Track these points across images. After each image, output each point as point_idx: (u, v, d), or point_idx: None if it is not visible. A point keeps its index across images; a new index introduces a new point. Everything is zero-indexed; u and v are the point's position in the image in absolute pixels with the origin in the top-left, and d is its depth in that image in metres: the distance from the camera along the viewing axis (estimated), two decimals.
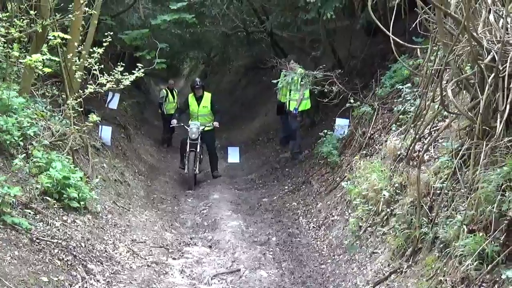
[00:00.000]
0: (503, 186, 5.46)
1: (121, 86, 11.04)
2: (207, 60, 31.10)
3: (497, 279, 4.88)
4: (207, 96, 16.11)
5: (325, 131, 12.69)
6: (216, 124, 15.81)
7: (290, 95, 14.55)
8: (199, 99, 15.91)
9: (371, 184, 8.85)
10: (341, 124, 12.70)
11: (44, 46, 9.59)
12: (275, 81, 14.57)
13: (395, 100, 11.10)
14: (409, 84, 10.54)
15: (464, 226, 5.79)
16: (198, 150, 15.36)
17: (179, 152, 17.28)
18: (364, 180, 9.23)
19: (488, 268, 5.14)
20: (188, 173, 15.13)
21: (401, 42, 7.64)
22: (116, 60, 11.74)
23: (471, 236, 5.54)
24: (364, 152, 10.86)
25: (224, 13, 18.79)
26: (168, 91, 19.39)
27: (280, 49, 21.16)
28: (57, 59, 10.10)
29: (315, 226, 10.55)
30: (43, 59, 8.58)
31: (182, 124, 16.20)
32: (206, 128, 15.80)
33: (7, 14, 9.96)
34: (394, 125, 10.19)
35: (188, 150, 15.22)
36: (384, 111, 11.39)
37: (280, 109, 15.49)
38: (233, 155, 16.47)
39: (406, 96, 10.27)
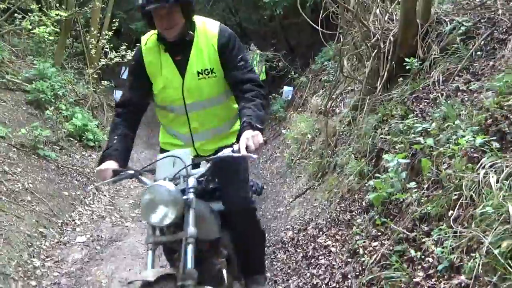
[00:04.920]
0: (376, 126, 5.73)
1: (125, 60, 11.19)
2: None
3: (369, 188, 5.10)
4: None
5: (274, 95, 12.92)
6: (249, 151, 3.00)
7: None
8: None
9: (300, 130, 9.11)
10: (287, 90, 12.86)
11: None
12: None
13: (323, 73, 11.30)
14: (332, 61, 10.74)
15: (352, 155, 6.05)
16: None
17: None
18: (296, 127, 9.48)
19: (364, 181, 5.43)
20: None
21: (321, 30, 7.75)
22: (128, 45, 11.73)
23: (355, 161, 5.82)
24: (300, 109, 11.10)
25: (207, 10, 18.70)
26: None
27: (249, 38, 21.13)
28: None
29: (263, 161, 10.79)
30: (48, 31, 8.46)
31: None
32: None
33: (39, 6, 10.04)
34: (321, 90, 10.43)
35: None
36: (316, 80, 11.60)
37: None
38: None
39: (330, 70, 10.49)
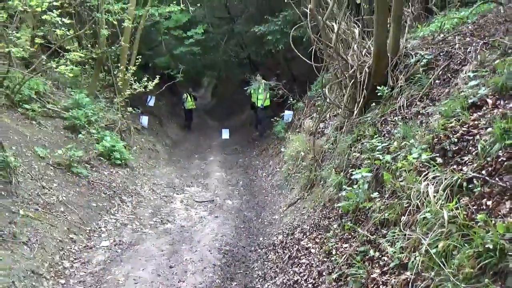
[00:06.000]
0: (350, 145, 5.82)
1: (147, 90, 11.42)
2: (217, 76, 31.28)
3: (345, 198, 5.16)
4: None
5: (276, 118, 13.03)
6: None
7: (257, 96, 14.78)
8: None
9: (295, 148, 9.19)
10: (287, 114, 12.91)
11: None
12: (245, 88, 14.73)
13: (317, 98, 11.36)
14: (325, 89, 10.81)
15: (333, 169, 6.13)
16: None
17: (195, 133, 16.83)
18: (292, 146, 9.56)
19: (341, 191, 5.50)
20: None
21: (311, 63, 7.77)
22: (153, 77, 11.88)
23: (335, 175, 5.90)
24: (297, 130, 11.17)
25: (220, 45, 18.88)
26: (188, 94, 19.28)
27: (257, 69, 21.34)
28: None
29: (266, 175, 10.82)
30: (68, 68, 8.57)
31: None
32: None
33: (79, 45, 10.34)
34: (314, 113, 10.49)
35: None
36: (311, 105, 11.67)
37: (252, 106, 15.49)
38: (225, 134, 16.25)
39: (321, 96, 10.55)
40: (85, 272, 5.70)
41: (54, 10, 7.79)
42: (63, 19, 7.90)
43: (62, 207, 6.81)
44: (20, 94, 8.78)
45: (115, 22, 11.25)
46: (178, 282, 5.41)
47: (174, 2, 13.23)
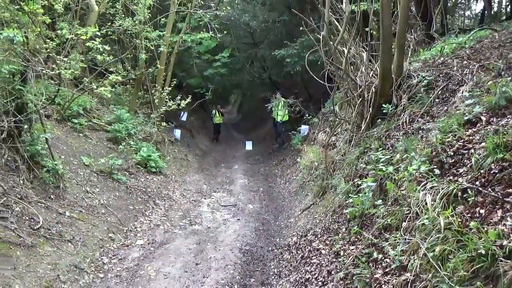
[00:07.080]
0: (358, 157, 5.74)
1: (180, 107, 11.48)
2: (242, 95, 31.30)
3: (353, 204, 5.09)
4: None
5: (294, 132, 12.96)
6: None
7: (277, 112, 14.76)
8: None
9: (309, 158, 9.12)
10: (304, 128, 12.87)
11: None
12: (267, 105, 14.73)
13: (330, 115, 11.25)
14: (336, 106, 10.70)
15: (342, 178, 6.05)
16: None
17: (222, 145, 16.81)
18: (307, 157, 9.49)
19: (349, 198, 5.41)
20: None
21: (325, 83, 7.73)
22: (186, 95, 11.97)
23: (344, 183, 5.81)
24: (312, 143, 11.09)
25: (245, 67, 18.95)
26: (216, 110, 19.39)
27: (277, 88, 21.32)
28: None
29: (283, 182, 10.72)
30: (108, 90, 8.58)
31: None
32: None
33: (120, 68, 10.47)
34: (327, 128, 10.40)
35: None
36: (324, 121, 11.57)
37: (272, 120, 15.46)
38: (248, 145, 16.21)
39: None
40: (121, 267, 5.71)
41: (96, 38, 7.92)
42: (104, 46, 8.02)
43: (103, 209, 6.87)
44: (69, 110, 8.95)
45: (153, 48, 11.40)
46: (203, 277, 5.38)
47: (204, 30, 13.34)
